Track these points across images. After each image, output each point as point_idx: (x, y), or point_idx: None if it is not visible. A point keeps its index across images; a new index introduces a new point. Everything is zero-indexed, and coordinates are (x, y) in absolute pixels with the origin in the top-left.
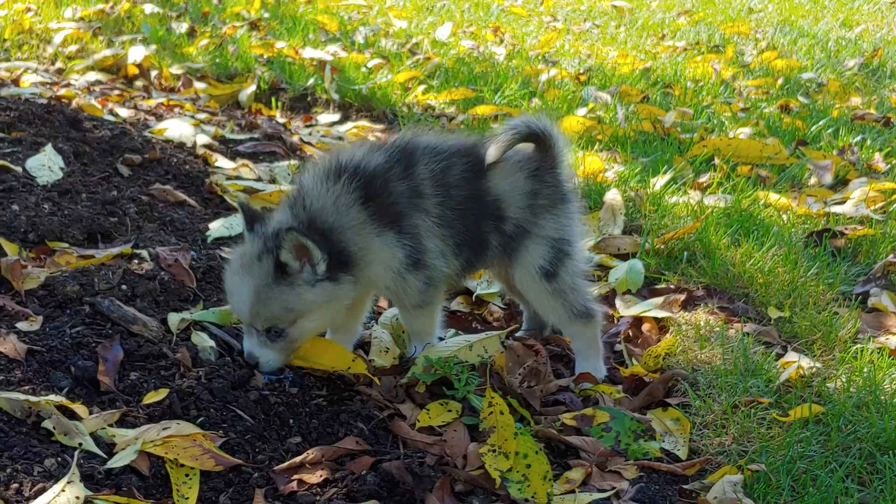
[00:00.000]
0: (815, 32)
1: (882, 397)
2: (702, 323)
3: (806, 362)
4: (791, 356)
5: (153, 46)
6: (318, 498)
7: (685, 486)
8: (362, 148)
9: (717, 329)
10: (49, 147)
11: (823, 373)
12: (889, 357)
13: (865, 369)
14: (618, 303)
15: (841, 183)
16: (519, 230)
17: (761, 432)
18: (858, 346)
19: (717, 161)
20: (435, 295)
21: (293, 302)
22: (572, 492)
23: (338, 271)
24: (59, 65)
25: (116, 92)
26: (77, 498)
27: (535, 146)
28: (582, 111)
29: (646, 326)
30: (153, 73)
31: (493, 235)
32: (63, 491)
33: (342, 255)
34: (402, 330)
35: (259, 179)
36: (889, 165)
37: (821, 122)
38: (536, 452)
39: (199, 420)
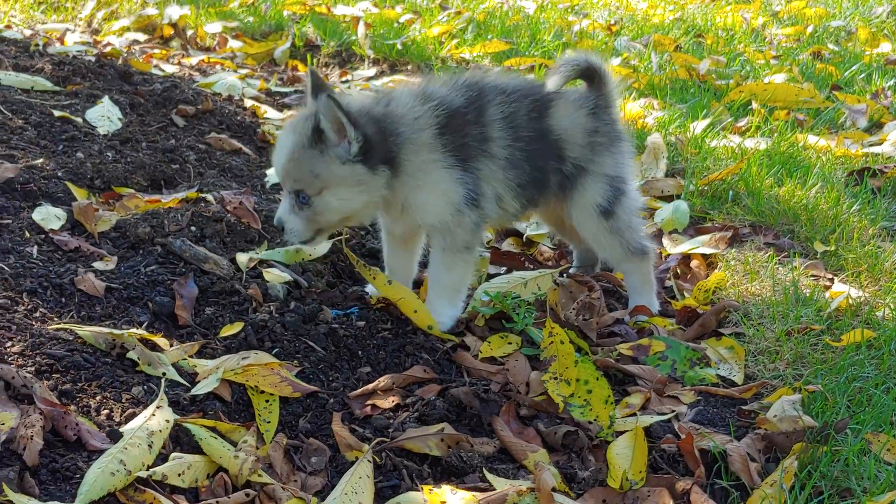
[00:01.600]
0: None
1: None
2: (750, 258)
3: (854, 292)
4: (839, 287)
5: (186, 7)
6: (391, 421)
7: (744, 408)
8: (447, 84)
9: (766, 263)
10: (106, 99)
11: (871, 302)
12: None
13: None
14: (665, 242)
15: (876, 126)
16: (577, 169)
17: (815, 357)
18: None
19: (754, 105)
20: (479, 238)
21: (320, 169)
22: (633, 415)
23: (378, 163)
24: (94, 26)
25: (156, 51)
26: (167, 421)
27: (589, 84)
28: (616, 61)
29: (694, 263)
30: (188, 33)
31: (553, 175)
32: (153, 415)
33: (391, 160)
34: None
35: None
36: None
37: (853, 68)
38: (597, 378)
39: (275, 351)
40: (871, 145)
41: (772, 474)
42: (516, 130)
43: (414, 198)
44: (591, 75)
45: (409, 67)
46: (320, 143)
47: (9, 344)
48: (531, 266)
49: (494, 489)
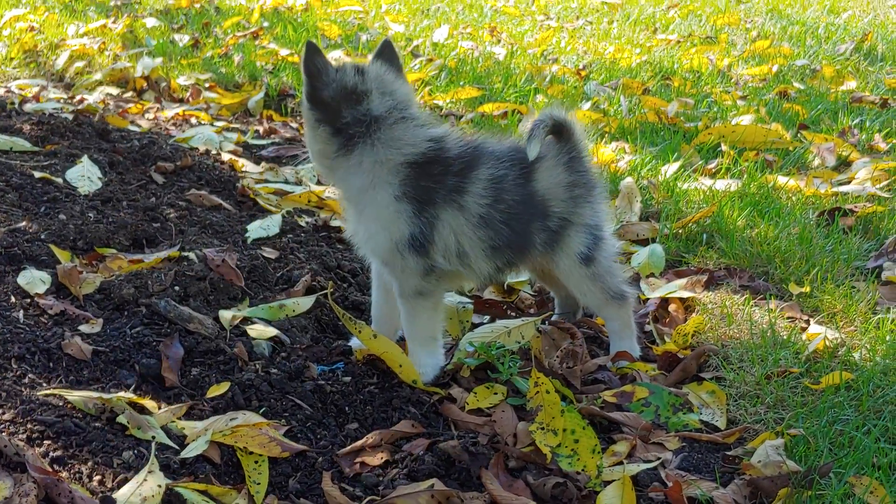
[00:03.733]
0: (803, 20)
1: None
2: (727, 302)
3: (830, 334)
4: (815, 328)
5: (159, 59)
6: (381, 478)
7: (728, 453)
8: (454, 132)
9: (743, 306)
10: (85, 158)
11: (848, 343)
12: None
13: (888, 338)
14: (642, 286)
15: (844, 164)
16: (563, 222)
17: (795, 400)
18: (878, 316)
19: (723, 147)
20: (436, 286)
21: (302, 103)
22: (620, 463)
23: (324, 123)
24: (66, 81)
25: (130, 105)
26: (159, 486)
27: (558, 138)
28: (586, 105)
29: (672, 307)
30: (162, 85)
31: (538, 235)
32: (145, 480)
33: (348, 138)
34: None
35: (286, 181)
36: (889, 145)
37: (819, 107)
38: (584, 428)
39: (262, 410)
40: (840, 184)
41: None
42: (500, 192)
43: (365, 221)
44: (559, 130)
45: None
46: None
47: None
48: (513, 314)
49: None
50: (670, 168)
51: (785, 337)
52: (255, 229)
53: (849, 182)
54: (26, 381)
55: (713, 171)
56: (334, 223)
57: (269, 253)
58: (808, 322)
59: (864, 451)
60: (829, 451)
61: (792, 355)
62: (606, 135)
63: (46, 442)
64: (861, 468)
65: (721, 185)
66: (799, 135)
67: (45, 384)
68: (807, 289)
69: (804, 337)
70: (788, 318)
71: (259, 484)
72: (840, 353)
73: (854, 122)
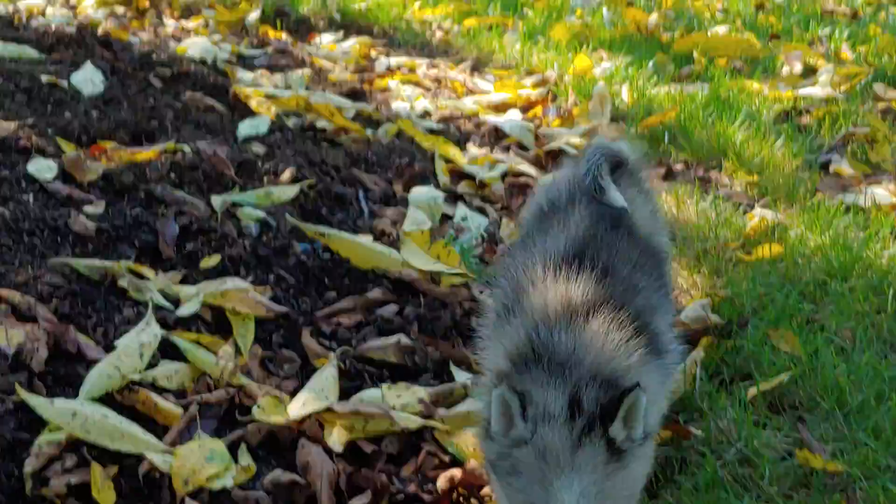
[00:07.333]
0: None
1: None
2: (679, 190)
3: (770, 215)
4: (758, 211)
5: None
6: (354, 334)
7: None
8: None
9: (694, 193)
10: (88, 63)
11: (785, 223)
12: (843, 210)
13: (822, 218)
14: None
15: (811, 71)
16: None
17: (729, 269)
18: (816, 200)
19: (695, 55)
20: None
21: None
22: None
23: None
24: (72, 2)
25: (133, 22)
26: (156, 335)
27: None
28: (571, 18)
29: None
30: (163, 4)
31: None
32: (143, 331)
33: None
34: None
35: (276, 87)
36: (856, 54)
37: (792, 18)
38: None
39: (250, 279)
40: (803, 87)
41: None
42: None
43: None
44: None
45: (375, 30)
46: None
47: (12, 276)
48: None
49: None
50: (643, 74)
51: (727, 217)
52: (246, 127)
53: (812, 86)
54: (36, 252)
55: (685, 77)
56: (320, 124)
57: (258, 149)
58: (751, 206)
59: (782, 307)
60: (753, 311)
61: (732, 233)
62: (587, 45)
63: (55, 300)
64: (778, 322)
65: (690, 88)
66: (770, 44)
67: (54, 255)
68: (755, 178)
69: (746, 217)
70: (735, 203)
71: (245, 337)
72: (777, 231)
73: (823, 31)
